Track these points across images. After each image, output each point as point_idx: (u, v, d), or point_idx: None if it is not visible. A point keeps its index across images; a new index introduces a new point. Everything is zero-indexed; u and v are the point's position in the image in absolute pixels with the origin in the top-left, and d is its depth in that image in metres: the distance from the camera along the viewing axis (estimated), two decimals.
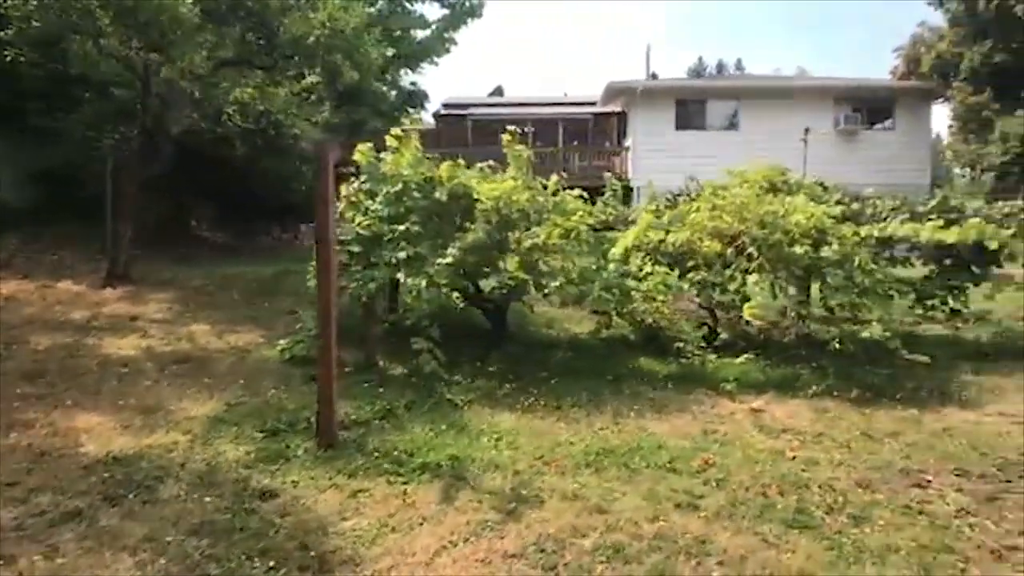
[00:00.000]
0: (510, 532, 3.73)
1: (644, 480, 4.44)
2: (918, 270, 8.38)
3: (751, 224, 6.47)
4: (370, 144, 7.43)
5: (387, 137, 7.51)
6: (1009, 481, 4.48)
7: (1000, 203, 8.66)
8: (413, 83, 22.56)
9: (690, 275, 6.57)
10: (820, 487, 4.36)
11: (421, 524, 3.82)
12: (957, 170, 18.27)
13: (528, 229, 6.41)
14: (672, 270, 6.73)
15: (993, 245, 6.74)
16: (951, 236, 6.78)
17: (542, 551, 3.52)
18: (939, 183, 22.14)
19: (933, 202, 8.44)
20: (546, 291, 7.00)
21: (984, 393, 6.59)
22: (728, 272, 6.54)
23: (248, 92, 14.08)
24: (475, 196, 6.66)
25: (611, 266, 6.65)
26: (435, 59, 22.67)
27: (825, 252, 6.36)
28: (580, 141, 23.14)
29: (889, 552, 3.55)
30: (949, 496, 4.26)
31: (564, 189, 7.59)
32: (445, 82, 73.16)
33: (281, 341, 7.33)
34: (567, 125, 23.34)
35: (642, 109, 21.14)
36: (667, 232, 6.82)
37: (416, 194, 6.86)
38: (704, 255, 6.67)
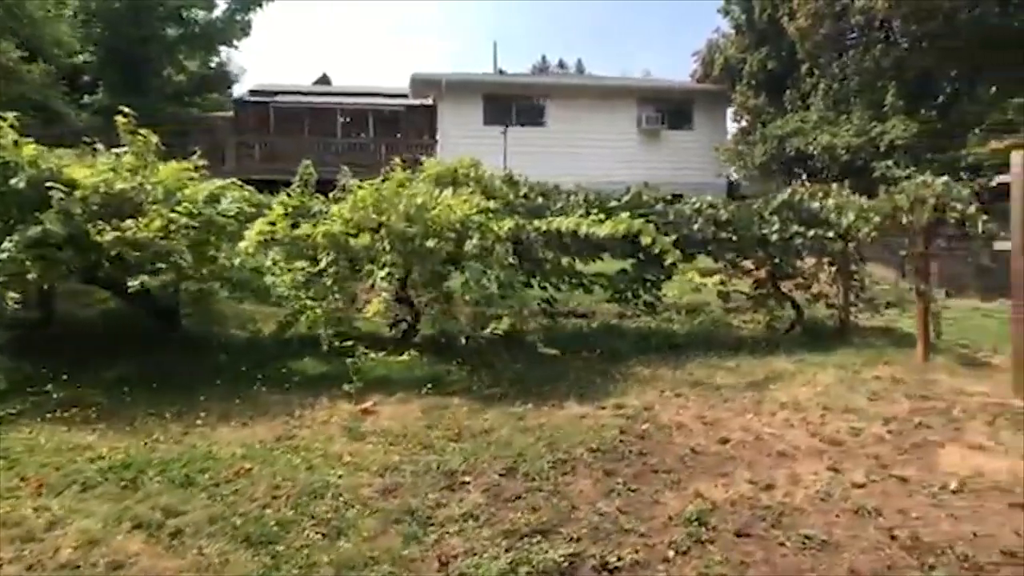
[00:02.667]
0: None
1: (134, 496, 3.87)
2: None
3: (394, 218, 6.11)
4: None
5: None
6: (543, 479, 4.32)
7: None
8: (209, 67, 20.89)
9: (330, 270, 6.10)
10: (337, 496, 3.98)
11: None
12: (733, 169, 19.47)
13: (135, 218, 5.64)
14: (317, 263, 6.23)
15: (646, 240, 6.80)
16: (603, 230, 6.79)
17: None
18: (738, 182, 23.66)
19: (626, 197, 8.57)
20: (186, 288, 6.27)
21: (631, 385, 6.64)
22: (368, 267, 6.14)
23: None
24: (72, 183, 5.77)
25: (237, 260, 6.04)
26: (234, 43, 21.24)
27: (467, 247, 6.11)
28: (392, 133, 22.50)
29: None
30: (468, 499, 4.02)
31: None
32: (275, 69, 69.66)
33: None
34: (378, 116, 22.61)
35: (450, 103, 20.87)
36: (315, 225, 6.32)
37: None
38: (352, 249, 6.22)
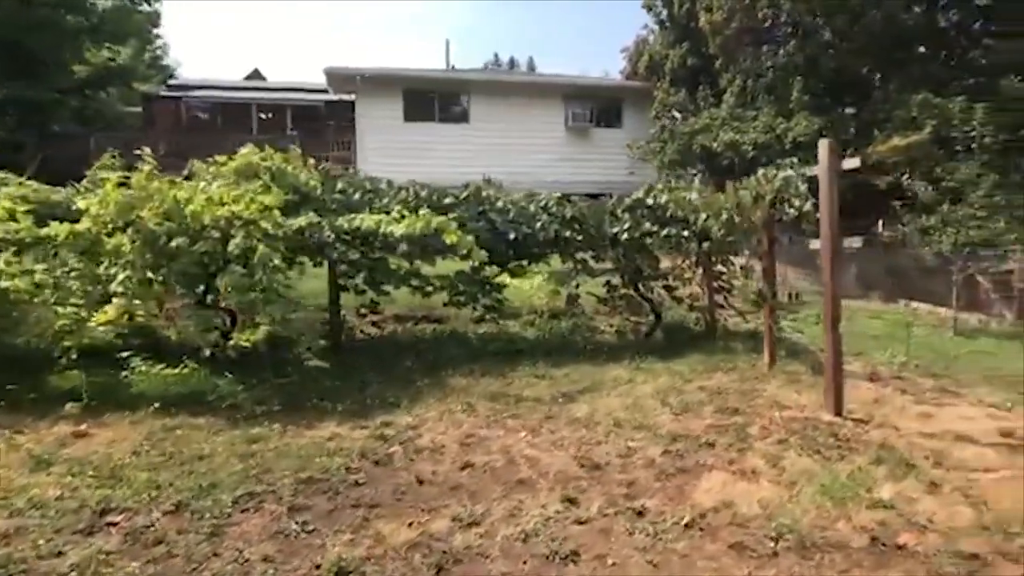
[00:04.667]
0: None
1: None
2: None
3: (146, 214, 5.42)
4: None
5: None
6: (213, 517, 3.69)
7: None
8: (111, 59, 19.85)
9: (73, 273, 5.40)
10: None
11: None
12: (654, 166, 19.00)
13: None
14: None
15: (450, 239, 6.21)
16: (400, 228, 6.17)
17: None
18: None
19: (464, 193, 7.98)
20: None
21: (428, 398, 6.04)
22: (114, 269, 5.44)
23: None
24: None
25: None
26: (146, 35, 20.26)
27: (231, 247, 5.45)
28: (314, 130, 21.69)
29: None
30: (95, 545, 3.37)
31: None
32: (218, 65, 67.46)
33: None
34: (298, 112, 21.79)
35: (368, 98, 20.10)
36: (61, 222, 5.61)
37: None
38: (105, 250, 5.53)
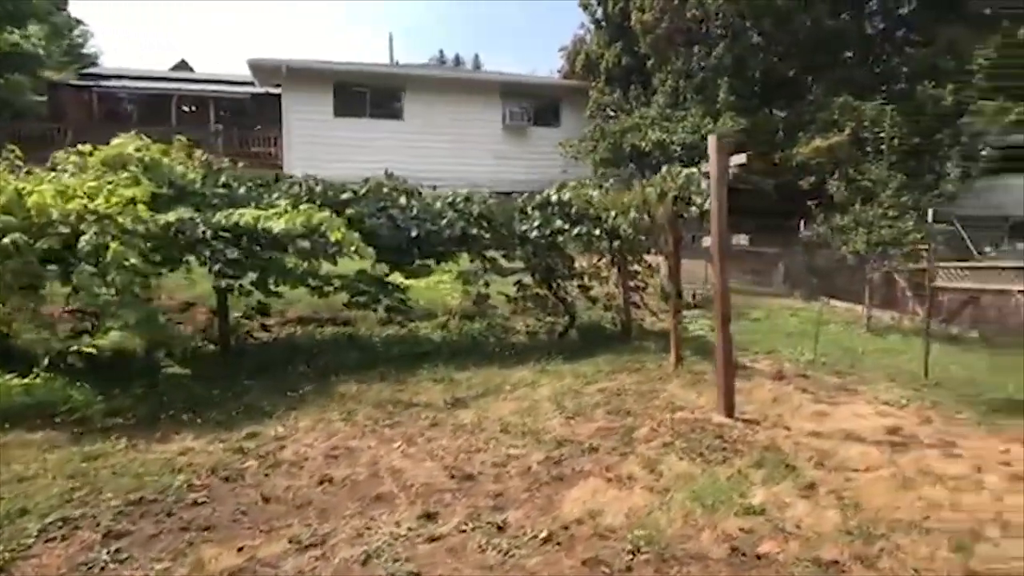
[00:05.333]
0: None
1: None
2: None
3: None
4: None
5: None
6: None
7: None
8: (15, 44, 18.59)
9: None
10: None
11: None
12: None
13: None
14: None
15: (334, 236, 5.83)
16: (279, 224, 5.77)
17: None
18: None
19: (364, 189, 7.60)
20: None
21: (308, 406, 5.66)
22: None
23: None
24: None
25: None
26: (50, 19, 19.09)
27: (81, 243, 4.97)
28: (239, 124, 20.85)
29: None
30: None
31: None
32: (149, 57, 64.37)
33: None
34: (222, 105, 20.92)
35: (296, 91, 19.37)
36: None
37: None
38: None
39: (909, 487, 4.18)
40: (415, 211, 7.58)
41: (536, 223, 7.92)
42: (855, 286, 13.53)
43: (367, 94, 20.35)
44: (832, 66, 16.06)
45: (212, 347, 7.27)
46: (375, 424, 5.24)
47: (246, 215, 5.91)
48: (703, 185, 6.86)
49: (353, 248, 5.82)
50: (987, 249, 16.22)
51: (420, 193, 7.96)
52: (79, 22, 31.86)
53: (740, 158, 5.45)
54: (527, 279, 8.39)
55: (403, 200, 7.60)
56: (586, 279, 8.66)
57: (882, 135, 12.92)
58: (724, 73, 15.80)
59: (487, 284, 8.21)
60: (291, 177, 8.06)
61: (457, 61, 43.33)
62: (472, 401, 5.98)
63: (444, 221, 7.62)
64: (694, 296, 7.98)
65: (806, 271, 14.76)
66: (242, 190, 6.86)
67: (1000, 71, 14.16)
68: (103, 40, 65.65)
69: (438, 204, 7.78)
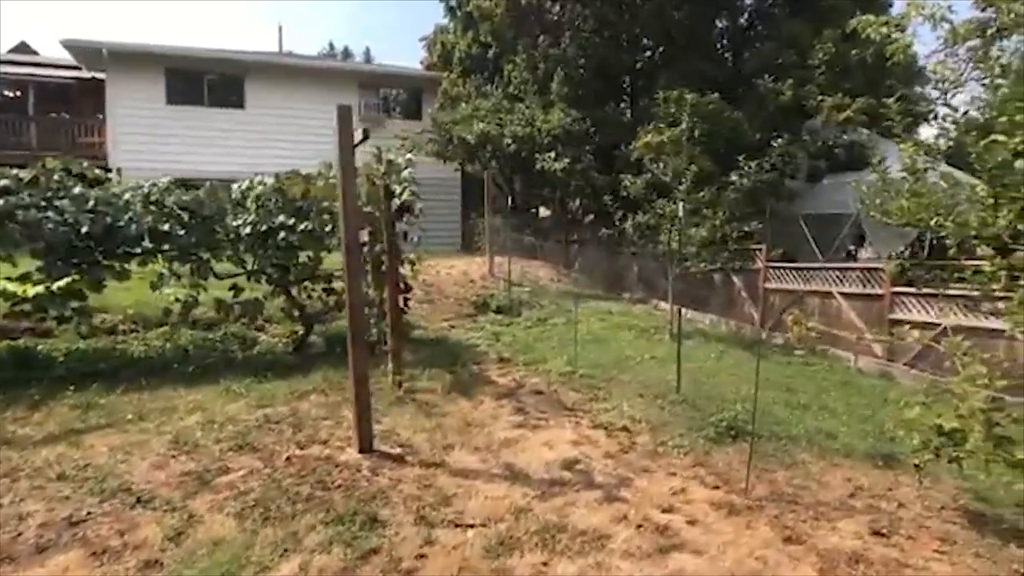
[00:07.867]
0: None
1: None
2: None
3: None
4: None
5: None
6: None
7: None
8: None
9: None
10: None
11: None
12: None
13: None
14: None
15: None
16: None
17: None
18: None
19: (28, 177, 6.28)
20: None
21: None
22: None
23: None
24: None
25: None
26: None
27: None
28: (63, 111, 18.75)
29: None
30: None
31: None
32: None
33: None
34: (41, 91, 18.76)
35: (120, 76, 17.51)
36: None
37: None
38: None
39: (497, 555, 3.29)
40: (91, 203, 6.32)
41: (251, 217, 6.80)
42: (698, 291, 13.07)
43: (204, 80, 18.68)
44: (675, 59, 15.63)
45: None
46: None
47: None
48: (405, 174, 5.94)
49: None
50: (851, 248, 16.07)
51: (104, 182, 6.70)
52: None
53: (358, 135, 4.51)
54: (250, 282, 7.25)
55: (77, 189, 6.32)
56: (333, 282, 7.61)
57: (719, 130, 12.45)
58: (566, 64, 15.09)
59: (198, 289, 7.00)
60: None
61: (346, 54, 41.52)
62: (85, 434, 4.81)
63: (128, 216, 6.40)
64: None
65: (604, 269, 14.09)
66: None
67: (837, 66, 14.09)
68: None
69: (127, 195, 6.54)
